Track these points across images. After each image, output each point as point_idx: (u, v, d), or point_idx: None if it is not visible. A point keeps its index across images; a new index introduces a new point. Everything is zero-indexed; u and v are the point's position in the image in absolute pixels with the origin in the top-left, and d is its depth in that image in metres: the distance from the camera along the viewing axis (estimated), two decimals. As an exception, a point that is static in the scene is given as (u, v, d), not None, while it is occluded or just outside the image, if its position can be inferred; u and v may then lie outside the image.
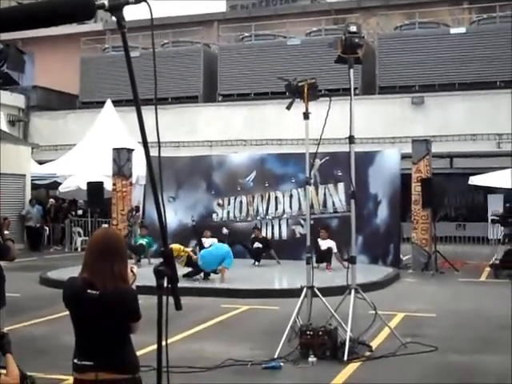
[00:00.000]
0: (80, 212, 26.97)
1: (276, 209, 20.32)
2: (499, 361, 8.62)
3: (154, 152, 3.24)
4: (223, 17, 36.76)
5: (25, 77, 27.17)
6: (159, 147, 3.03)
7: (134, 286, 4.00)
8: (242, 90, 31.74)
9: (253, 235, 19.06)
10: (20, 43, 31.04)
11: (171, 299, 3.24)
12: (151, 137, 3.27)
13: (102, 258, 3.87)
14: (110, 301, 3.81)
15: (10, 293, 7.33)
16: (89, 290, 3.82)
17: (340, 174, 19.36)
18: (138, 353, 4.03)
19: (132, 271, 4.01)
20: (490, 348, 9.40)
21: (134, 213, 21.91)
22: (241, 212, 20.64)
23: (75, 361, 3.90)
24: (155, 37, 3.49)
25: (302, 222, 15.41)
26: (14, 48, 6.38)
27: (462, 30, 29.86)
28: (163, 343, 3.23)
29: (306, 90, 9.14)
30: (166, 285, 3.22)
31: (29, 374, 7.03)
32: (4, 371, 4.64)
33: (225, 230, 19.39)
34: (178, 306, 3.31)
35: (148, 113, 3.31)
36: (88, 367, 3.83)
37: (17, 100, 33.33)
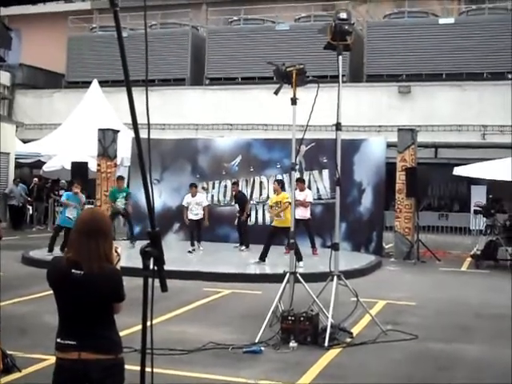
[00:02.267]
0: (62, 192, 26.84)
1: (260, 194, 20.33)
2: (477, 349, 8.72)
3: (141, 134, 3.23)
4: (212, -1, 36.58)
5: (11, 54, 26.87)
6: (149, 129, 3.03)
7: (118, 267, 4.01)
8: (230, 73, 31.66)
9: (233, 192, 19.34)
10: (6, 20, 30.71)
11: (156, 281, 3.25)
12: (139, 118, 3.26)
13: (87, 238, 3.87)
14: (94, 281, 3.81)
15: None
16: (73, 270, 3.82)
17: (325, 160, 19.39)
18: (120, 334, 4.04)
19: (116, 251, 4.02)
20: (469, 336, 9.49)
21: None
22: (225, 196, 20.64)
23: (58, 340, 3.90)
24: (143, 18, 3.47)
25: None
26: (1, 24, 6.32)
27: (451, 20, 29.90)
28: (148, 325, 3.24)
29: (294, 76, 9.13)
30: (152, 266, 3.23)
31: (9, 352, 7.09)
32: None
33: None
34: (164, 288, 3.32)
35: (135, 94, 3.29)
36: (71, 346, 3.83)
37: (2, 77, 33.07)
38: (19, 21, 33.96)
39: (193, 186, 18.01)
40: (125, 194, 18.34)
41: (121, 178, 18.97)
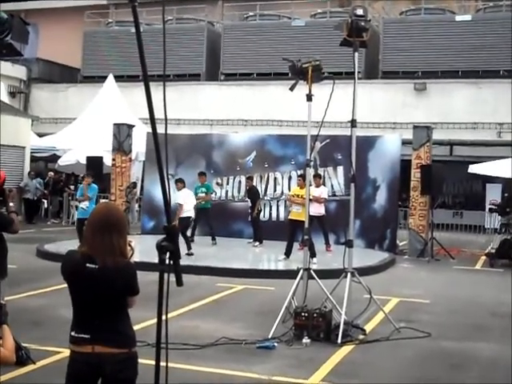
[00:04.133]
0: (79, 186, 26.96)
1: (275, 190, 20.32)
2: (491, 348, 8.69)
3: (157, 129, 3.24)
4: (228, -5, 36.54)
5: (27, 48, 27.04)
6: (166, 124, 3.04)
7: (131, 261, 4.02)
8: (245, 69, 31.64)
9: (246, 187, 19.30)
10: (23, 14, 30.84)
11: (171, 276, 3.26)
12: (155, 113, 3.26)
13: (101, 233, 3.88)
14: (108, 275, 3.82)
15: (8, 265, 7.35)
16: (88, 264, 3.84)
17: (340, 157, 19.35)
18: (134, 328, 4.05)
19: (130, 245, 4.02)
20: (482, 335, 9.45)
21: (131, 189, 21.93)
22: (239, 192, 20.63)
23: (72, 333, 3.92)
24: (159, 13, 3.47)
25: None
26: (19, 18, 6.32)
27: (468, 17, 29.75)
28: (163, 319, 3.25)
29: (310, 72, 9.11)
30: (167, 261, 3.24)
31: (24, 344, 7.13)
32: (0, 341, 4.67)
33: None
34: (180, 282, 3.32)
35: (150, 89, 3.30)
36: (85, 340, 3.85)
37: (18, 71, 33.20)
38: (36, 15, 34.08)
39: (201, 174, 18.36)
40: (205, 190, 18.17)
41: (203, 173, 18.69)
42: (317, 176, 17.19)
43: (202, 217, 17.91)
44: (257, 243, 18.21)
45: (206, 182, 18.38)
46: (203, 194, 18.00)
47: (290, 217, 15.67)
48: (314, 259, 14.25)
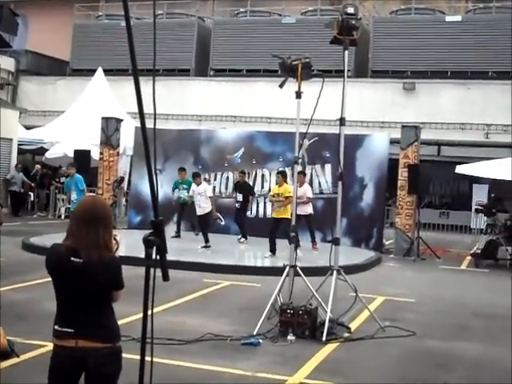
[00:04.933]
0: (63, 179, 26.88)
1: (262, 187, 20.32)
2: (475, 348, 8.73)
3: (146, 124, 3.22)
4: (219, -9, 36.47)
5: (16, 40, 26.88)
6: (155, 119, 3.02)
7: (116, 255, 4.00)
8: (235, 65, 31.62)
9: (237, 180, 18.98)
10: (13, 5, 30.64)
11: (157, 271, 3.25)
12: (144, 108, 3.25)
13: (87, 226, 3.86)
14: (93, 269, 3.80)
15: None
16: (72, 258, 3.81)
17: (328, 155, 19.37)
18: (119, 322, 4.04)
19: (115, 239, 4.00)
20: (467, 335, 9.49)
21: (119, 183, 21.85)
22: (227, 188, 20.63)
23: (56, 327, 3.90)
24: (149, 7, 3.46)
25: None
26: (8, 9, 6.26)
27: (458, 18, 29.85)
28: (149, 314, 3.24)
29: (299, 69, 9.11)
30: (154, 255, 3.23)
31: (8, 338, 7.10)
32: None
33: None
34: (166, 277, 3.31)
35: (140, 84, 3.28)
36: (68, 334, 3.83)
37: (6, 63, 32.99)
38: (26, 7, 33.88)
39: (196, 175, 17.37)
40: (186, 186, 18.05)
41: (183, 169, 18.61)
42: (301, 173, 16.63)
43: (184, 212, 18.05)
44: (242, 239, 18.17)
45: (186, 178, 18.24)
46: (185, 191, 18.01)
47: (273, 215, 15.74)
48: (298, 250, 14.37)
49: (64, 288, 3.89)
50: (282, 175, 15.93)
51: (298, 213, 10.58)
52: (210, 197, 16.92)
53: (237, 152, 20.67)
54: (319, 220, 17.50)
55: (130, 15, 2.81)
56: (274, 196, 15.68)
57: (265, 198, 20.05)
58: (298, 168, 9.98)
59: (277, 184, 15.97)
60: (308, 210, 16.74)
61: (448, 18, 29.81)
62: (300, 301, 8.89)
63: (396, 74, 29.43)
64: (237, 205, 18.26)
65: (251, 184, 19.80)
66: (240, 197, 18.18)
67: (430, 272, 16.06)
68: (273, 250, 15.37)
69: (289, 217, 15.02)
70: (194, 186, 17.14)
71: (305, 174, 17.66)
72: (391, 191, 20.44)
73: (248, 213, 19.25)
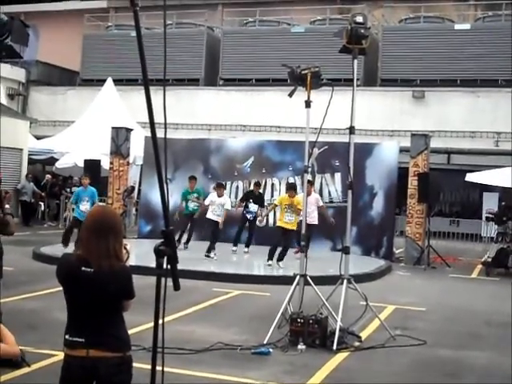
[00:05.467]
0: (74, 189, 26.95)
1: (272, 196, 20.30)
2: (485, 356, 8.69)
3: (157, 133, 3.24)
4: (228, 0, 36.56)
5: (27, 50, 27.06)
6: (165, 128, 3.04)
7: (127, 264, 4.01)
8: (244, 75, 31.68)
9: (252, 190, 18.72)
10: (23, 16, 30.87)
11: (168, 280, 3.26)
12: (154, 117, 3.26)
13: (97, 236, 3.87)
14: (104, 279, 3.81)
15: (3, 267, 7.33)
16: (83, 268, 3.83)
17: (337, 164, 19.36)
18: (129, 332, 4.05)
19: (125, 248, 4.01)
20: (478, 344, 9.45)
21: (128, 193, 21.91)
22: (237, 197, 20.59)
23: (66, 337, 3.90)
24: (159, 17, 3.49)
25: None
26: (19, 21, 6.31)
27: (467, 26, 29.84)
28: (160, 323, 3.24)
29: (308, 78, 9.13)
30: (165, 265, 3.23)
31: (19, 347, 7.12)
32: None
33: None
34: (177, 287, 3.32)
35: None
36: (79, 344, 3.84)
37: (17, 73, 33.20)
38: (36, 18, 34.13)
39: (221, 186, 17.22)
40: (196, 195, 17.69)
41: (193, 177, 18.12)
42: (309, 183, 16.65)
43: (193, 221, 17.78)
44: (246, 249, 17.99)
45: (195, 187, 17.88)
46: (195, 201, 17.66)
47: (279, 224, 15.47)
48: (281, 263, 15.03)
49: (75, 298, 3.90)
50: (294, 189, 15.68)
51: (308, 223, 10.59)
52: (226, 209, 16.81)
53: (246, 161, 20.68)
54: (329, 229, 17.46)
55: (140, 25, 2.83)
56: (283, 208, 15.42)
57: (275, 208, 19.99)
58: (308, 177, 9.98)
59: (288, 195, 15.52)
60: (315, 220, 16.63)
61: (457, 27, 29.82)
62: (310, 310, 8.88)
63: (405, 82, 29.40)
64: (249, 215, 18.04)
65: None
66: (255, 207, 18.06)
67: (440, 280, 16.00)
68: (271, 256, 15.33)
69: (295, 228, 15.03)
70: (214, 196, 16.93)
71: (312, 183, 17.56)
72: (401, 200, 20.39)
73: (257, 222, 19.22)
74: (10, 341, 4.34)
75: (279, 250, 15.28)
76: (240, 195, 20.31)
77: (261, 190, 19.06)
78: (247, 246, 18.13)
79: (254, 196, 18.27)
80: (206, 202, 16.95)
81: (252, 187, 19.16)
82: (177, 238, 18.02)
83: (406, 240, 18.93)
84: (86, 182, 17.22)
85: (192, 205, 17.59)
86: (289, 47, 29.84)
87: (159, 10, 30.49)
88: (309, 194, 16.21)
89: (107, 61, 32.94)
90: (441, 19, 31.03)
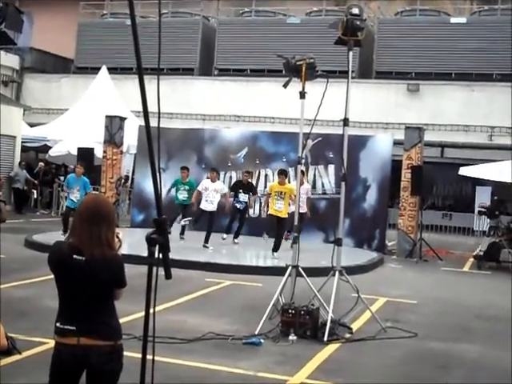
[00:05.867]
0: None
1: (265, 186, 20.27)
2: (476, 349, 8.72)
3: (151, 122, 3.22)
4: (224, -10, 36.48)
5: (21, 37, 26.94)
6: (159, 118, 3.03)
7: (119, 253, 4.00)
8: (239, 65, 31.64)
9: (240, 180, 18.58)
10: (18, 3, 30.72)
11: (160, 269, 3.25)
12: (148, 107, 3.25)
13: (89, 224, 3.86)
14: (96, 267, 3.80)
15: (-5, 253, 7.33)
16: (75, 256, 3.82)
17: (331, 155, 19.36)
18: (120, 321, 4.04)
19: (118, 237, 4.00)
20: (469, 337, 9.49)
21: (122, 181, 21.88)
22: (229, 187, 20.58)
23: (57, 324, 3.90)
24: (154, 6, 3.47)
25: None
26: (13, 7, 6.27)
27: (463, 19, 29.84)
28: (151, 312, 3.24)
29: (303, 70, 9.11)
30: (157, 254, 3.23)
31: (10, 335, 7.11)
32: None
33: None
34: (168, 275, 3.32)
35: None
36: (70, 331, 3.83)
37: (11, 60, 33.07)
38: (31, 4, 33.90)
39: (214, 170, 17.10)
40: (188, 187, 17.28)
41: (185, 168, 17.73)
42: (301, 173, 16.56)
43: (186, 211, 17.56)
44: (236, 240, 17.90)
45: (188, 178, 17.55)
46: (185, 192, 17.27)
47: (273, 213, 15.36)
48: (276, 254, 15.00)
49: (66, 286, 3.90)
50: (285, 175, 15.65)
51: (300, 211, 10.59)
52: (224, 194, 16.74)
53: (240, 152, 20.67)
54: (322, 220, 17.50)
55: (135, 14, 2.82)
56: (271, 194, 15.48)
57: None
58: (302, 168, 9.98)
59: (279, 183, 15.50)
60: (305, 208, 16.63)
61: (453, 20, 29.82)
62: (302, 301, 8.89)
63: (400, 75, 29.41)
64: (238, 205, 17.80)
65: (255, 183, 19.72)
66: (245, 197, 17.87)
67: (432, 273, 16.05)
68: (277, 249, 15.26)
69: (286, 216, 15.08)
70: (207, 182, 16.84)
71: (303, 173, 17.44)
72: (394, 192, 20.42)
73: (251, 212, 19.25)
74: (0, 332, 4.33)
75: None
76: (233, 186, 20.29)
77: (250, 180, 18.88)
78: (236, 236, 17.90)
79: (243, 185, 18.10)
80: (199, 188, 16.79)
81: (241, 177, 19.07)
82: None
83: (398, 233, 18.97)
84: (79, 170, 17.17)
85: (181, 196, 17.37)
86: (284, 38, 29.78)
87: (155, -2, 30.44)
88: (301, 183, 16.26)
89: (102, 49, 32.84)
90: (437, 12, 31.03)
